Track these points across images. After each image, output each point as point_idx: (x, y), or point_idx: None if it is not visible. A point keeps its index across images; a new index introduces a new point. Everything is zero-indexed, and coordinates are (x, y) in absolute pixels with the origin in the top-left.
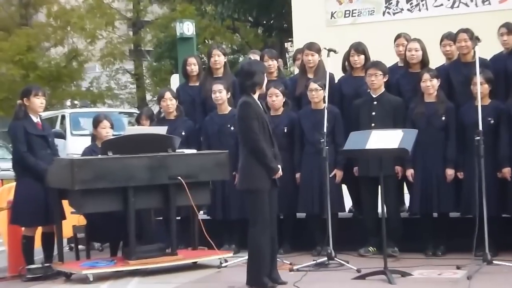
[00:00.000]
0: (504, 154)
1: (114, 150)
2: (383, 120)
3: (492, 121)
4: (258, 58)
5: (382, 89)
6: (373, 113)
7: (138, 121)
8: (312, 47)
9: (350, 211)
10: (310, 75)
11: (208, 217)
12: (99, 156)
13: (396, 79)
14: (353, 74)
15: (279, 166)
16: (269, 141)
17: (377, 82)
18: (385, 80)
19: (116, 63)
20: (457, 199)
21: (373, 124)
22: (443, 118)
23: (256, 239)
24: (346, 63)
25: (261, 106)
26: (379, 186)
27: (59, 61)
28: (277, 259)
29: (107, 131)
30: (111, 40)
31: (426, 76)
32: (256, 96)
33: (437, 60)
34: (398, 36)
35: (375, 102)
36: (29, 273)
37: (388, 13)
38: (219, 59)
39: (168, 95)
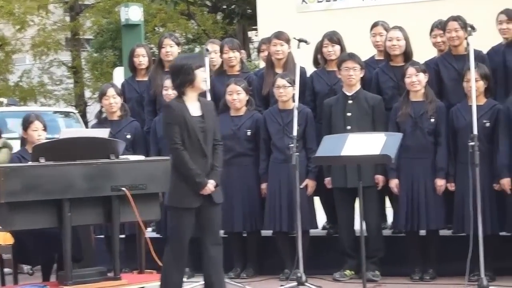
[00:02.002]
0: (502, 163)
1: (47, 156)
2: (360, 122)
3: (488, 124)
4: (217, 48)
5: (358, 86)
6: (348, 114)
7: None
8: (281, 36)
9: (323, 228)
10: (279, 69)
11: (158, 235)
12: (29, 163)
13: (376, 74)
14: (327, 68)
15: (211, 181)
16: (198, 151)
17: (355, 78)
18: (361, 75)
19: (50, 54)
20: (448, 214)
21: (348, 127)
22: (432, 120)
23: (166, 258)
24: (319, 55)
25: (188, 109)
26: (357, 199)
27: None
28: (239, 285)
29: (39, 134)
30: (44, 27)
31: (411, 70)
32: (192, 96)
33: (428, 53)
34: (374, 25)
35: (350, 101)
36: None
37: None
38: (171, 50)
39: (111, 91)
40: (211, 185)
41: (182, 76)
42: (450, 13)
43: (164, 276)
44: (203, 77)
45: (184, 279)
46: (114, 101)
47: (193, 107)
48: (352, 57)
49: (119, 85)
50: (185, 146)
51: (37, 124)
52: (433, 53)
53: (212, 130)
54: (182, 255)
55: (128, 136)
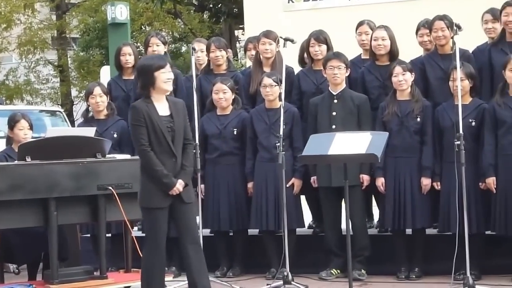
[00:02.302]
0: (487, 162)
1: (34, 155)
2: (345, 121)
3: (473, 123)
4: (203, 47)
5: (344, 85)
6: (334, 113)
7: None
8: (270, 35)
9: (310, 227)
10: (267, 68)
11: (144, 234)
12: (16, 162)
13: (361, 73)
14: (314, 67)
15: (179, 181)
16: (166, 151)
17: (340, 76)
18: (347, 74)
19: (37, 53)
20: (434, 213)
21: (334, 126)
22: (418, 119)
23: (145, 259)
24: (305, 54)
25: (156, 109)
26: (343, 198)
27: None
28: (225, 284)
29: (25, 133)
30: (30, 26)
31: (397, 69)
32: (158, 97)
33: (414, 52)
34: (360, 23)
35: (335, 100)
36: None
37: None
38: (158, 48)
39: (97, 90)
40: (179, 185)
41: (143, 78)
42: (436, 12)
43: (145, 277)
44: (164, 78)
45: (171, 278)
46: (100, 100)
47: (161, 107)
48: (337, 56)
49: (106, 84)
50: (153, 147)
51: (23, 123)
52: (419, 52)
53: (181, 129)
54: (159, 254)
55: (115, 135)
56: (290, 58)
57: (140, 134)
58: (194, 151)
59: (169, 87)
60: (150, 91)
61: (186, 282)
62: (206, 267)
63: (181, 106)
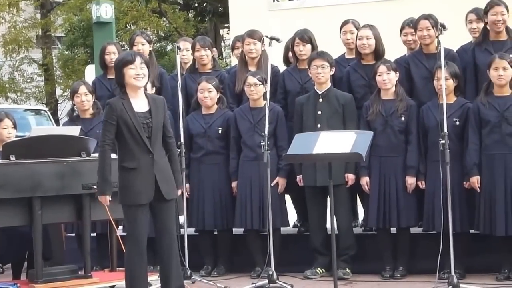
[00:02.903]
0: (471, 161)
1: (18, 154)
2: (330, 120)
3: (458, 122)
4: (189, 46)
5: (329, 84)
6: (319, 112)
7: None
8: (254, 34)
9: (295, 226)
10: (252, 68)
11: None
12: (0, 161)
13: (347, 72)
14: (299, 67)
15: (107, 198)
16: (142, 147)
17: (324, 76)
18: (331, 73)
19: (21, 52)
20: (419, 212)
21: (319, 125)
22: (403, 118)
23: (126, 257)
24: (290, 53)
25: (132, 106)
26: (328, 197)
27: None
28: (210, 283)
29: (9, 132)
30: (15, 24)
31: (382, 68)
32: (134, 93)
33: (398, 51)
34: (345, 23)
35: (320, 99)
36: None
37: None
38: (143, 48)
39: (83, 89)
40: (106, 200)
41: (115, 75)
42: (421, 12)
43: (128, 275)
44: (132, 74)
45: (156, 277)
46: (86, 98)
47: (138, 103)
48: (321, 55)
49: (90, 83)
50: (128, 143)
51: (6, 122)
52: (403, 51)
53: (159, 125)
54: (140, 251)
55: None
56: (275, 57)
57: (106, 131)
58: (179, 150)
59: (139, 83)
60: (125, 88)
61: None
62: (179, 265)
63: (160, 102)
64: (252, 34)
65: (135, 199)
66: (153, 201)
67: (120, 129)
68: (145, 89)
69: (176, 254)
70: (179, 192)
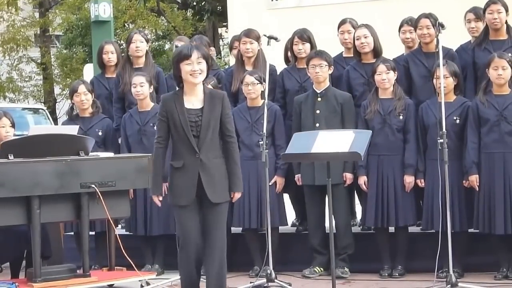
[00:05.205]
0: (470, 160)
1: (16, 153)
2: (328, 120)
3: (458, 121)
4: None
5: (327, 83)
6: (318, 111)
7: None
8: (251, 34)
9: (293, 225)
10: (249, 67)
11: (127, 233)
12: None
13: (346, 71)
14: (298, 66)
15: (156, 198)
16: (187, 146)
17: (322, 75)
18: (330, 72)
19: (19, 50)
20: (417, 211)
21: (317, 124)
22: (401, 117)
23: (178, 259)
24: (289, 53)
25: (183, 102)
26: (326, 196)
27: None
28: None
29: (7, 131)
30: (13, 23)
31: (381, 67)
32: (190, 89)
33: (395, 50)
34: (342, 22)
35: (319, 99)
36: None
37: None
38: (141, 45)
39: (82, 88)
40: (156, 200)
41: (173, 69)
42: (419, 11)
43: (180, 274)
44: (188, 70)
45: (154, 276)
46: (85, 98)
47: (191, 100)
48: (319, 54)
49: (89, 82)
50: (174, 141)
51: (4, 121)
52: (400, 50)
53: (211, 124)
54: (186, 253)
55: (100, 133)
56: (275, 56)
57: (158, 128)
58: None
59: (196, 79)
60: (182, 82)
61: (170, 279)
62: (219, 271)
63: (219, 99)
64: (249, 33)
65: (175, 200)
66: (200, 204)
67: (169, 126)
68: (206, 84)
69: (216, 265)
70: (236, 197)
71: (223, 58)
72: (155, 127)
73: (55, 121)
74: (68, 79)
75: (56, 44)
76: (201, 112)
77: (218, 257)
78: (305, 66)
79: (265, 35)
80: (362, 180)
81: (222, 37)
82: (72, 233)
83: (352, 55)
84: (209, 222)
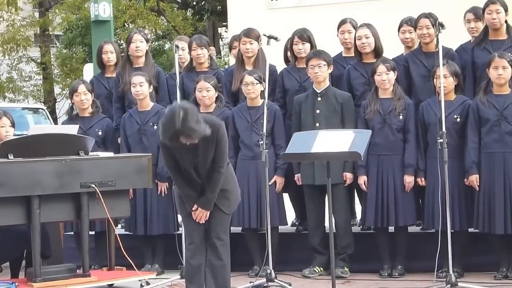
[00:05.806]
0: (470, 159)
1: (16, 152)
2: (328, 119)
3: (458, 119)
4: (185, 45)
5: (327, 83)
6: (318, 111)
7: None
8: (250, 33)
9: (293, 224)
10: (249, 67)
11: (127, 232)
12: None
13: (347, 70)
14: (297, 65)
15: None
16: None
17: (321, 75)
18: (329, 71)
19: (19, 50)
20: (417, 211)
21: (317, 124)
22: (401, 116)
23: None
24: (289, 53)
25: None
26: (326, 196)
27: None
28: None
29: (7, 130)
30: (13, 23)
31: (381, 68)
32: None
33: (395, 50)
34: (343, 22)
35: (319, 98)
36: None
37: None
38: (141, 45)
39: (82, 88)
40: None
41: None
42: (419, 11)
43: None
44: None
45: (154, 276)
46: (85, 97)
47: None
48: (317, 54)
49: (88, 82)
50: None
51: (4, 121)
52: (399, 50)
53: (206, 162)
54: (194, 255)
55: (100, 133)
56: (274, 55)
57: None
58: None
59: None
60: None
61: (169, 279)
62: (219, 269)
63: (212, 135)
64: (248, 33)
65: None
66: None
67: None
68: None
69: (216, 255)
70: (196, 212)
71: (223, 58)
72: (154, 127)
73: (55, 121)
74: (68, 79)
75: (56, 44)
76: (195, 151)
77: (218, 255)
78: (305, 66)
79: (265, 35)
80: (362, 180)
81: (222, 36)
82: (72, 233)
83: (352, 55)
84: (210, 220)
